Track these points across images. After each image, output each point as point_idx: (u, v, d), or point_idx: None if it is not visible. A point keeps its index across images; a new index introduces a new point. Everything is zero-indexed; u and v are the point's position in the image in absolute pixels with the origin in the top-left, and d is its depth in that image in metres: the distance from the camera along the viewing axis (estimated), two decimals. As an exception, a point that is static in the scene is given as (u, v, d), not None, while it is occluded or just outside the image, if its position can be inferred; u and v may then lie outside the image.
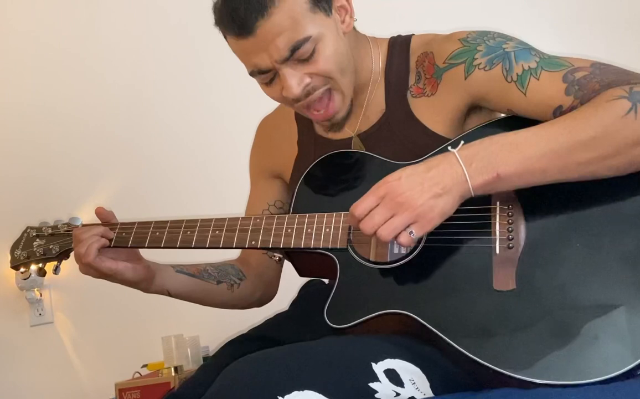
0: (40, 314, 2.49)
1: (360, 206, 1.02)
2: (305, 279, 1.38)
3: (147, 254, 1.30)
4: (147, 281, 1.28)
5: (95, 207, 1.31)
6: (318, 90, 1.16)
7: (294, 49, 1.10)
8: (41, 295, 2.48)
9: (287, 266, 1.30)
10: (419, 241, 1.08)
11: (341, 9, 1.18)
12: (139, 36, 2.56)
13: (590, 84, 1.02)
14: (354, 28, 1.24)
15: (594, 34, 2.43)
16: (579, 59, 1.07)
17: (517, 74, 1.09)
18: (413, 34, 1.26)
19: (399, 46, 1.25)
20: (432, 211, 0.99)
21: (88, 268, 1.25)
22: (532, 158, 0.97)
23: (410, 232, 0.99)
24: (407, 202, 0.99)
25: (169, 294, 1.32)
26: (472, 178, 0.98)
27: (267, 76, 1.15)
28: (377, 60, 1.26)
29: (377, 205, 1.01)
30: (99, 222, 1.31)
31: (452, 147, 1.01)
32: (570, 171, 0.98)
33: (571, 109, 1.02)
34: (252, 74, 1.16)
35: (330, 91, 1.18)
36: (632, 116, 0.94)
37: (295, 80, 1.13)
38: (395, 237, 1.00)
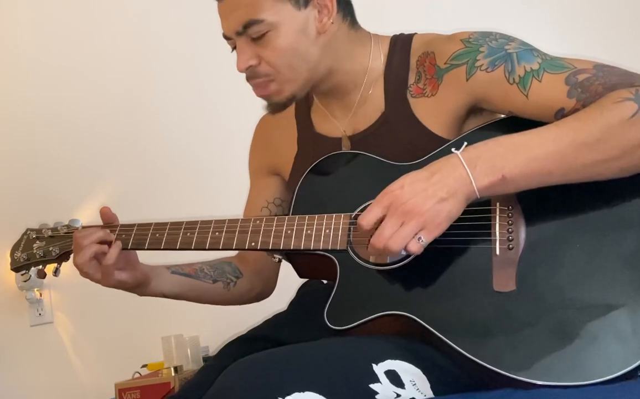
0: (40, 314, 2.48)
1: (367, 218, 1.01)
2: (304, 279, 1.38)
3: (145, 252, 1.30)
4: (142, 287, 1.29)
5: (95, 209, 1.31)
6: (260, 77, 1.19)
7: (246, 25, 1.15)
8: (41, 295, 2.47)
9: (286, 266, 1.29)
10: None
11: (323, 8, 1.18)
12: (138, 37, 2.55)
13: (593, 86, 1.02)
14: (355, 24, 1.24)
15: (594, 34, 2.42)
16: (581, 61, 1.07)
17: (519, 75, 1.08)
18: (415, 33, 1.26)
19: (400, 45, 1.25)
20: (439, 215, 0.98)
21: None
22: (538, 159, 0.97)
23: (419, 239, 0.99)
24: (414, 210, 0.98)
25: (165, 296, 1.33)
26: (477, 180, 0.98)
27: (230, 43, 1.21)
28: (377, 58, 1.25)
29: (384, 216, 1.00)
30: (100, 223, 1.31)
31: (454, 149, 1.01)
32: (575, 172, 0.98)
33: (573, 111, 1.02)
34: (224, 36, 1.22)
35: (271, 78, 1.20)
36: (639, 118, 0.95)
37: (243, 57, 1.18)
38: (405, 246, 1.00)
